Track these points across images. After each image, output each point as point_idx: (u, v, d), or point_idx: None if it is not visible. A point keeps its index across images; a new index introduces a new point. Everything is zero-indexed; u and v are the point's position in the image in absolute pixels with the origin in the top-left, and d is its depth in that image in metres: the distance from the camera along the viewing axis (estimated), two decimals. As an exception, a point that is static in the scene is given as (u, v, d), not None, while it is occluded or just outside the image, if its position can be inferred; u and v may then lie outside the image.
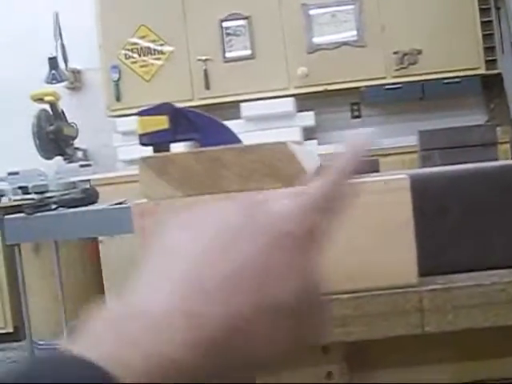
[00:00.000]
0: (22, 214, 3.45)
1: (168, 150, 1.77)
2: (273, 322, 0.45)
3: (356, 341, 0.68)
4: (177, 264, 0.45)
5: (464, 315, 0.67)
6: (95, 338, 0.41)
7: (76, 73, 5.72)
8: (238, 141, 1.85)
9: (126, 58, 5.37)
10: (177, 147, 1.83)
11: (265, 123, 5.11)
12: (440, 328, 0.67)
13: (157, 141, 1.78)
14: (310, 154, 1.53)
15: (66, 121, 5.29)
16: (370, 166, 1.81)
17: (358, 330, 0.67)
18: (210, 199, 0.67)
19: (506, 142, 4.97)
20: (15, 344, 4.81)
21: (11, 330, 4.98)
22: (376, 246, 0.66)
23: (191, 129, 1.78)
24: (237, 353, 0.43)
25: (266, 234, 0.46)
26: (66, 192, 3.94)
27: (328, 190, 0.49)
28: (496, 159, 3.22)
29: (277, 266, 0.45)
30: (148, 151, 1.81)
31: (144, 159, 0.71)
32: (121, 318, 0.43)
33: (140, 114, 1.88)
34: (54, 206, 3.57)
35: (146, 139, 1.80)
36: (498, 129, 4.80)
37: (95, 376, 0.38)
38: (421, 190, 0.68)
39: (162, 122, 1.77)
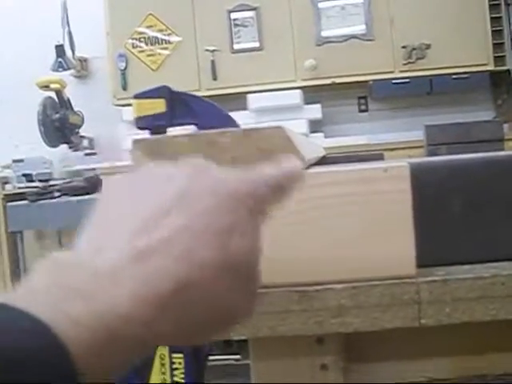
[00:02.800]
0: (25, 202, 3.44)
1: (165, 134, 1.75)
2: (231, 280, 0.44)
3: (351, 332, 0.67)
4: (125, 219, 0.43)
5: (462, 308, 0.66)
6: (34, 288, 0.39)
7: (83, 61, 5.70)
8: (237, 126, 1.82)
9: (134, 47, 5.36)
10: (174, 131, 1.82)
11: (271, 115, 5.09)
12: (437, 321, 0.66)
13: (153, 124, 1.75)
14: (312, 144, 1.52)
15: (72, 109, 5.28)
16: (375, 159, 1.80)
17: (354, 321, 0.65)
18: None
19: (513, 139, 4.94)
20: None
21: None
22: (374, 235, 0.64)
23: (189, 113, 1.76)
24: (190, 311, 0.42)
25: (214, 195, 0.45)
26: (70, 180, 3.94)
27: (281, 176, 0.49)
28: (503, 155, 3.21)
29: (232, 225, 0.44)
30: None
31: (136, 141, 0.69)
32: (64, 268, 0.40)
33: (136, 96, 1.85)
34: (57, 194, 3.57)
35: (142, 122, 1.78)
36: (506, 125, 4.77)
37: (23, 323, 0.35)
38: (422, 178, 0.66)
39: (158, 106, 1.75)
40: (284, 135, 0.64)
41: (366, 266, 0.65)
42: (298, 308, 0.66)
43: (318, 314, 0.66)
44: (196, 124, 1.76)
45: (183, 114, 1.76)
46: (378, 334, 0.71)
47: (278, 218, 0.65)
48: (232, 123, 1.81)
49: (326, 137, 5.28)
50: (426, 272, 0.66)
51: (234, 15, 5.29)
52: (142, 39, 5.35)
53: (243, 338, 0.68)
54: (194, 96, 1.92)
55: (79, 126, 5.38)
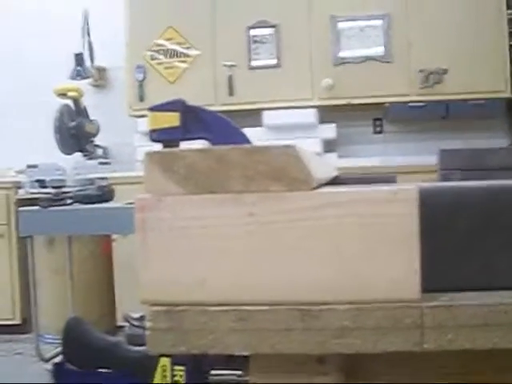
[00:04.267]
0: (36, 207, 3.46)
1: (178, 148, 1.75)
2: None
3: (352, 353, 0.67)
4: None
5: (465, 335, 0.66)
6: None
7: (101, 70, 5.74)
8: (249, 143, 1.83)
9: (152, 59, 5.39)
10: (187, 145, 1.82)
11: (286, 133, 5.10)
12: (439, 346, 0.66)
13: (167, 137, 1.76)
14: (325, 163, 1.52)
15: (88, 117, 5.30)
16: (387, 182, 1.80)
17: (356, 342, 0.66)
18: (211, 198, 0.66)
19: (527, 168, 4.92)
20: (22, 336, 4.82)
21: (19, 322, 4.99)
22: (380, 257, 0.65)
23: (202, 128, 1.76)
24: None
25: None
26: (83, 188, 3.95)
27: None
28: (516, 183, 3.20)
29: None
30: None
31: (150, 154, 0.70)
32: None
33: (152, 109, 1.86)
34: (69, 201, 3.58)
35: (156, 135, 1.79)
36: (520, 153, 4.76)
37: None
38: (430, 202, 0.67)
39: (173, 119, 1.76)
40: (295, 154, 0.64)
41: (370, 288, 0.65)
42: (301, 327, 0.66)
43: (320, 333, 0.66)
44: (209, 139, 1.76)
45: (197, 128, 1.77)
46: (379, 356, 0.71)
47: (285, 237, 0.65)
48: (245, 140, 1.82)
49: (339, 157, 5.28)
50: (430, 297, 0.66)
51: (253, 32, 5.31)
52: (161, 51, 5.39)
53: (244, 353, 0.68)
54: (208, 111, 1.92)
55: (94, 135, 5.40)
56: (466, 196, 0.67)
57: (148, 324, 0.70)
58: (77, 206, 3.48)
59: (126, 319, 2.65)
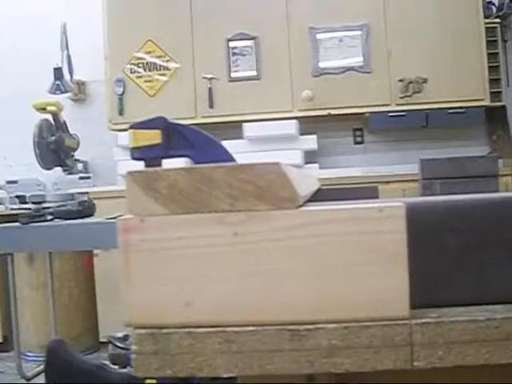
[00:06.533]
0: (16, 224, 3.42)
1: (160, 166, 1.73)
2: None
3: (342, 372, 0.66)
4: None
5: (455, 351, 0.65)
6: None
7: (80, 84, 5.71)
8: (232, 160, 1.81)
9: (132, 73, 5.37)
10: (169, 163, 1.79)
11: (267, 144, 5.09)
12: (430, 364, 0.65)
13: (148, 155, 1.74)
14: (307, 176, 1.51)
15: (68, 132, 5.28)
16: (369, 192, 1.79)
17: (345, 361, 0.65)
18: (195, 218, 0.65)
19: (507, 175, 4.95)
20: (4, 354, 4.77)
21: (1, 340, 4.94)
22: (367, 275, 0.64)
23: (185, 145, 1.74)
24: None
25: None
26: (63, 203, 3.92)
27: None
28: (497, 191, 3.20)
29: None
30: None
31: (131, 174, 0.68)
32: None
33: (132, 127, 1.84)
34: (49, 217, 3.55)
35: (137, 153, 1.76)
36: (500, 161, 4.79)
37: None
38: (417, 218, 0.66)
39: (154, 137, 1.73)
40: (280, 172, 0.63)
41: (358, 306, 0.64)
42: (289, 347, 0.65)
43: (309, 353, 0.65)
44: (192, 156, 1.74)
45: (179, 145, 1.74)
46: (369, 373, 0.70)
47: (271, 256, 0.64)
48: (228, 156, 1.80)
49: (320, 168, 5.29)
50: (419, 313, 0.65)
51: (232, 44, 5.31)
52: (141, 65, 5.37)
53: (232, 375, 0.67)
54: (191, 127, 1.90)
55: (74, 150, 5.38)
56: (453, 211, 0.67)
57: (133, 347, 0.68)
58: (57, 221, 3.45)
59: (109, 340, 2.62)
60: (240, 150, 4.65)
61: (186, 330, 0.66)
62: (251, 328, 0.65)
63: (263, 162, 0.65)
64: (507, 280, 0.66)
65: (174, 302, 0.66)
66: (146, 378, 1.83)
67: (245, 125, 5.14)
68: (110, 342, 2.59)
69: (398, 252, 0.63)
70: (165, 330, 0.66)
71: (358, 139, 5.69)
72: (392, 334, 0.64)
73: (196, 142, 1.74)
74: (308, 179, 1.28)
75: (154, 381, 1.75)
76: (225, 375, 0.67)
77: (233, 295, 0.65)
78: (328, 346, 0.64)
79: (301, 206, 0.65)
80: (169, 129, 1.77)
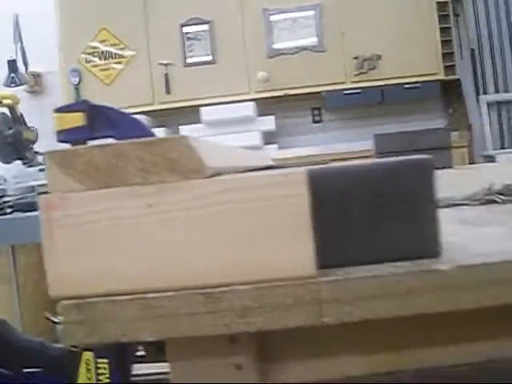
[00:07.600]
0: (-24, 218, 3.41)
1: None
2: None
3: (258, 331, 0.70)
4: None
5: (363, 306, 0.69)
6: None
7: (36, 76, 5.68)
8: (152, 136, 1.85)
9: (87, 62, 5.36)
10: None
11: (225, 127, 5.12)
12: (339, 319, 0.69)
13: (73, 138, 1.77)
14: (247, 153, 1.55)
15: (26, 125, 5.24)
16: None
17: (258, 320, 0.68)
18: (111, 193, 0.68)
19: (463, 146, 5.04)
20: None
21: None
22: (275, 238, 0.68)
23: (108, 126, 1.78)
24: None
25: None
26: (23, 196, 3.91)
27: None
28: (450, 162, 3.28)
29: None
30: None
31: (49, 153, 0.72)
32: None
33: (57, 110, 1.87)
34: (9, 210, 3.54)
35: (62, 136, 1.80)
36: (456, 133, 4.87)
37: None
38: (321, 184, 0.70)
39: (78, 119, 1.77)
40: (187, 144, 0.67)
41: (268, 268, 0.68)
42: (205, 310, 0.68)
43: (224, 314, 0.69)
44: (115, 136, 1.78)
45: (103, 126, 1.78)
46: (291, 334, 0.74)
47: (183, 225, 0.68)
48: (149, 134, 1.83)
49: (280, 148, 5.33)
50: (327, 272, 0.69)
51: (186, 29, 5.32)
52: (96, 54, 5.36)
53: (155, 339, 0.70)
54: (115, 109, 1.93)
55: (33, 142, 5.34)
56: (353, 177, 0.71)
57: (60, 318, 0.72)
58: (18, 214, 3.44)
59: (48, 318, 2.66)
60: (199, 134, 4.68)
61: (109, 298, 0.69)
62: (169, 293, 0.68)
63: (172, 136, 0.68)
64: (406, 239, 0.71)
65: (97, 272, 0.70)
66: (83, 351, 1.87)
67: (202, 109, 5.17)
68: (54, 322, 2.62)
69: (301, 214, 0.67)
70: (89, 300, 0.70)
71: (317, 118, 5.74)
72: (301, 293, 0.68)
73: (119, 122, 1.78)
74: (244, 155, 1.32)
75: (90, 353, 1.78)
76: (147, 340, 0.70)
77: (150, 263, 0.69)
78: (242, 307, 0.68)
79: (211, 176, 0.69)
80: (93, 111, 1.80)
